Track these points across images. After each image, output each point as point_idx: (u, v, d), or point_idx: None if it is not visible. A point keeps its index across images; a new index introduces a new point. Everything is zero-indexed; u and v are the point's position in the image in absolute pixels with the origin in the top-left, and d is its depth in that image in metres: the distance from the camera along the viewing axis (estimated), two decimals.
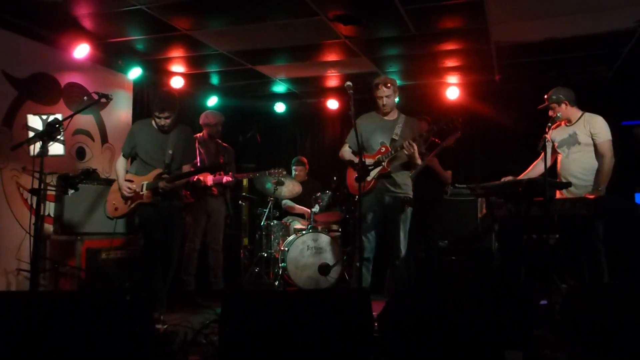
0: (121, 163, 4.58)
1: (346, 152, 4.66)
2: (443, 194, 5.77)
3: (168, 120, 4.41)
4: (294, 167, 6.95)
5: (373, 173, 4.40)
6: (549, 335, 3.29)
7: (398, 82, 7.03)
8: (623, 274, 5.33)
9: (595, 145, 4.42)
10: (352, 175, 4.65)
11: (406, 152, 4.32)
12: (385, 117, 4.56)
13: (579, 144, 4.48)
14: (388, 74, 6.75)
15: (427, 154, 5.40)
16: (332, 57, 6.20)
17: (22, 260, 4.92)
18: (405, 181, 4.53)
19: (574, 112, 4.55)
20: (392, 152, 4.42)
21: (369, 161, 4.31)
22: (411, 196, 4.52)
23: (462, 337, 2.84)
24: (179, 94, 4.82)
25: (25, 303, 2.91)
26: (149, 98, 4.63)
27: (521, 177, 4.66)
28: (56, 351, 2.69)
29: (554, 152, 4.66)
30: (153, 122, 4.51)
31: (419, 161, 4.41)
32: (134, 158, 4.59)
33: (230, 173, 5.62)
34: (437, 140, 5.63)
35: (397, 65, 6.57)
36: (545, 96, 4.63)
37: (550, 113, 4.58)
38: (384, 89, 4.49)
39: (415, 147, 4.31)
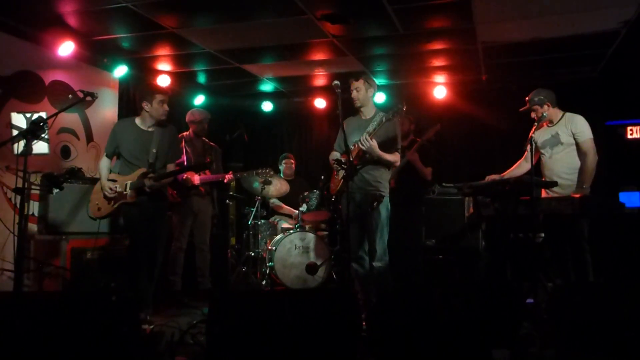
0: (104, 163, 4.52)
1: (332, 155, 4.63)
2: (424, 191, 5.80)
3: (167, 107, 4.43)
4: (283, 162, 6.94)
5: (341, 173, 4.34)
6: (536, 334, 3.31)
7: (385, 81, 7.18)
8: (608, 272, 5.39)
9: (577, 144, 4.47)
10: (334, 176, 4.65)
11: (362, 147, 4.23)
12: (363, 117, 4.50)
13: (562, 144, 4.52)
14: (375, 73, 6.78)
15: (407, 150, 5.42)
16: (319, 56, 6.20)
17: (6, 260, 4.85)
18: (378, 178, 4.38)
19: (556, 113, 4.60)
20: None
21: (344, 160, 4.27)
22: (383, 193, 4.37)
23: (449, 336, 2.86)
24: None
25: (9, 304, 2.87)
26: (143, 88, 4.59)
27: (504, 175, 4.70)
28: (41, 352, 2.66)
29: (537, 152, 4.69)
30: (137, 121, 4.47)
31: (385, 156, 4.27)
32: (118, 157, 4.54)
33: (230, 172, 5.63)
34: (418, 139, 5.67)
35: (385, 64, 6.58)
36: (527, 98, 4.66)
37: (532, 115, 4.63)
38: (354, 82, 4.44)
39: (372, 142, 4.19)
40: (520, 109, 4.70)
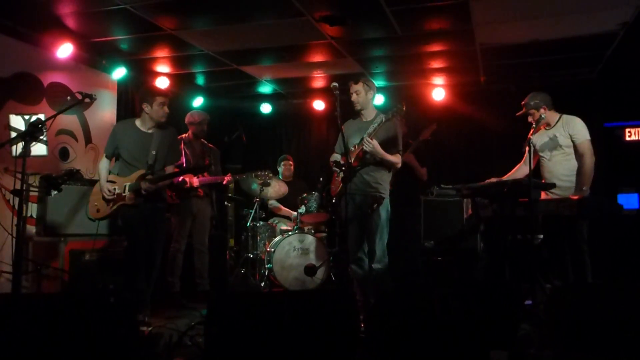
0: (104, 164, 4.52)
1: (333, 156, 4.62)
2: (421, 192, 5.80)
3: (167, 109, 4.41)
4: (282, 164, 6.95)
5: (341, 175, 4.33)
6: (534, 335, 3.31)
7: (383, 83, 7.19)
8: (606, 273, 5.39)
9: (574, 146, 4.46)
10: (334, 178, 4.64)
11: (365, 148, 4.22)
12: (363, 119, 4.49)
13: (560, 146, 4.51)
14: (374, 74, 6.78)
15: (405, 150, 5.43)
16: (318, 57, 6.20)
17: (4, 262, 4.84)
18: (378, 180, 4.37)
19: (552, 116, 4.60)
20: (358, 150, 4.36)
21: (343, 162, 4.25)
22: (383, 195, 4.35)
23: (447, 337, 2.86)
24: None
25: (7, 305, 2.87)
26: (143, 90, 4.58)
27: (505, 178, 4.70)
28: (39, 354, 2.66)
29: (535, 155, 4.69)
30: (137, 122, 4.47)
31: (387, 157, 4.27)
32: (117, 159, 4.54)
33: (229, 174, 5.63)
34: (410, 141, 5.68)
35: (383, 66, 6.59)
36: (523, 103, 4.66)
37: (529, 119, 4.64)
38: (353, 85, 4.42)
39: (375, 143, 4.18)
40: (517, 114, 4.70)
